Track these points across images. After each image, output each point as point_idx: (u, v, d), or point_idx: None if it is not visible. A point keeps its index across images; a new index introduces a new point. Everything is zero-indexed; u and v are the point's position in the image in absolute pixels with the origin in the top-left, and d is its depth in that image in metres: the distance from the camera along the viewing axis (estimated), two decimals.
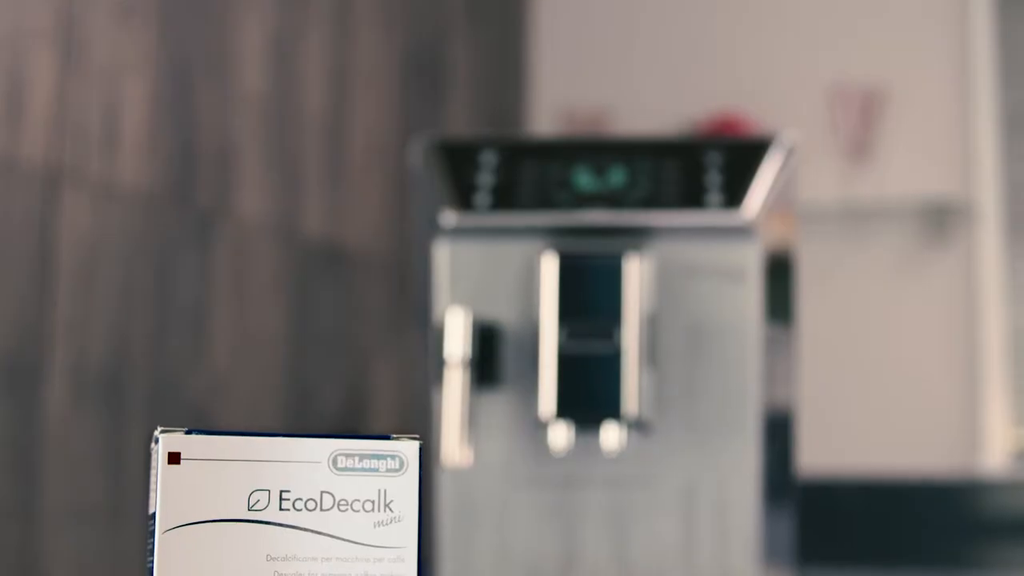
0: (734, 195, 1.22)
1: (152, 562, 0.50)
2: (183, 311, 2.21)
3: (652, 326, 1.20)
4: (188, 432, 0.51)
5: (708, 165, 1.24)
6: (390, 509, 0.52)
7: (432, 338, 1.23)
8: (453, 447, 1.15)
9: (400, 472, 0.52)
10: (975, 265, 3.12)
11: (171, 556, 0.50)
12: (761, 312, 1.22)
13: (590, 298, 1.19)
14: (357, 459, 0.52)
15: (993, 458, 3.16)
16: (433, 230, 1.24)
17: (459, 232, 1.23)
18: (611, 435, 1.17)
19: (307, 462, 0.51)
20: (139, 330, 2.15)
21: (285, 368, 2.35)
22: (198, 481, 0.50)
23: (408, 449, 0.53)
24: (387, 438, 0.52)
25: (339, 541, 0.51)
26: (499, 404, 1.23)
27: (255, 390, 2.31)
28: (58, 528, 2.10)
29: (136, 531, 2.17)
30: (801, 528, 1.29)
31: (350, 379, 2.48)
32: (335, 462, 0.52)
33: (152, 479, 0.51)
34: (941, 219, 3.12)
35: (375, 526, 0.51)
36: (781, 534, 1.25)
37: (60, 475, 2.09)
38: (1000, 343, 3.15)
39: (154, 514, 0.51)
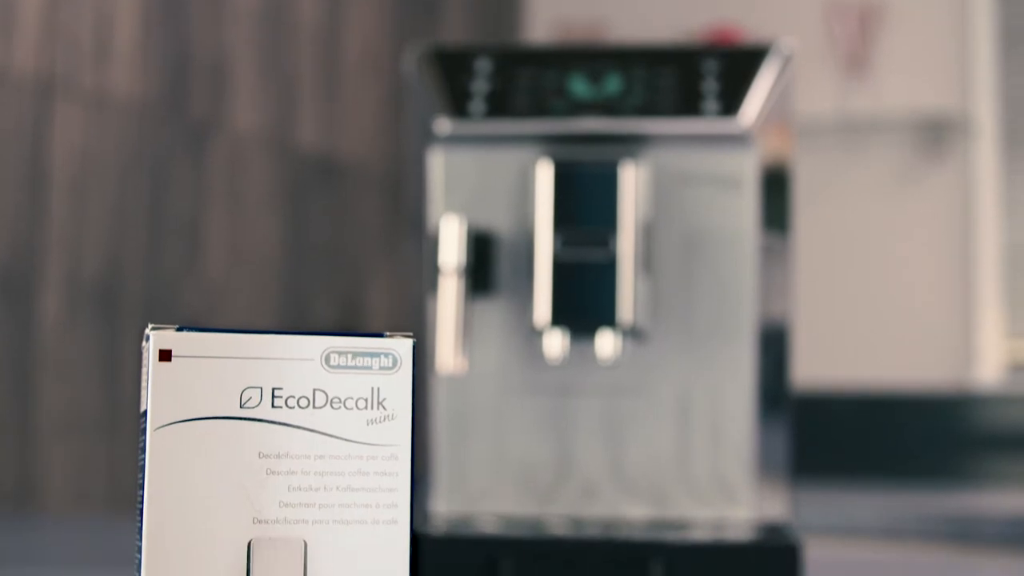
0: (731, 103, 1.21)
1: (144, 459, 0.50)
2: (177, 222, 2.20)
3: (648, 234, 1.20)
4: (179, 329, 0.50)
5: (705, 73, 1.23)
6: (383, 407, 0.51)
7: (426, 246, 1.23)
8: (448, 355, 1.15)
9: (393, 370, 0.52)
10: (971, 179, 3.12)
11: (162, 453, 0.49)
12: (758, 220, 1.22)
13: (585, 206, 1.18)
14: (350, 357, 0.51)
15: (987, 371, 3.16)
16: (427, 138, 1.23)
17: (453, 140, 1.22)
18: (606, 343, 1.17)
19: (299, 359, 0.51)
20: (133, 241, 2.14)
21: (280, 280, 2.34)
22: (189, 378, 0.50)
23: (401, 347, 0.52)
24: (380, 336, 0.52)
25: (332, 439, 0.51)
26: (494, 312, 1.23)
27: (250, 301, 2.31)
28: (54, 438, 2.10)
29: (131, 440, 2.18)
30: (796, 441, 1.29)
31: (345, 290, 2.48)
32: (327, 360, 0.51)
33: (143, 377, 0.51)
34: (938, 133, 3.11)
35: (368, 424, 0.51)
36: (776, 445, 1.25)
37: (55, 386, 2.09)
38: (995, 257, 3.15)
39: (145, 411, 0.50)
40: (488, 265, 1.21)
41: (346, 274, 2.50)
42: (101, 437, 2.14)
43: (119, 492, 2.15)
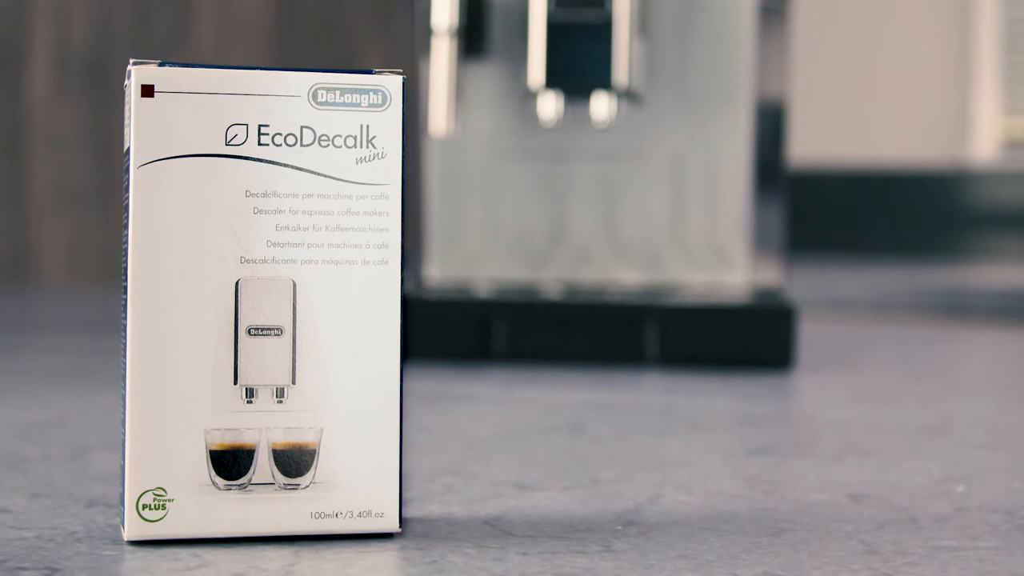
0: None
1: (128, 199, 0.49)
2: None
3: None
4: (161, 64, 0.49)
5: None
6: (373, 145, 0.50)
7: (419, 8, 1.20)
8: (440, 117, 1.14)
9: (383, 107, 0.50)
10: None
11: (146, 192, 0.48)
12: None
13: None
14: (338, 93, 0.50)
15: (982, 148, 3.15)
16: None
17: None
18: (601, 106, 1.15)
19: (286, 96, 0.50)
20: (122, 11, 2.11)
21: (271, 51, 2.32)
22: (173, 115, 0.49)
23: (391, 83, 0.51)
24: (369, 72, 0.51)
25: (320, 177, 0.50)
26: (487, 75, 1.21)
27: None
28: (46, 210, 2.10)
29: (123, 211, 2.17)
30: (790, 216, 1.28)
31: (337, 62, 2.45)
32: (315, 96, 0.50)
33: (126, 114, 0.50)
34: None
35: (357, 162, 0.50)
36: (771, 216, 1.25)
37: (47, 157, 2.08)
38: (994, 31, 3.11)
39: (129, 149, 0.49)
40: (481, 27, 1.19)
41: (338, 44, 2.47)
42: (94, 208, 2.14)
43: (113, 263, 2.16)
